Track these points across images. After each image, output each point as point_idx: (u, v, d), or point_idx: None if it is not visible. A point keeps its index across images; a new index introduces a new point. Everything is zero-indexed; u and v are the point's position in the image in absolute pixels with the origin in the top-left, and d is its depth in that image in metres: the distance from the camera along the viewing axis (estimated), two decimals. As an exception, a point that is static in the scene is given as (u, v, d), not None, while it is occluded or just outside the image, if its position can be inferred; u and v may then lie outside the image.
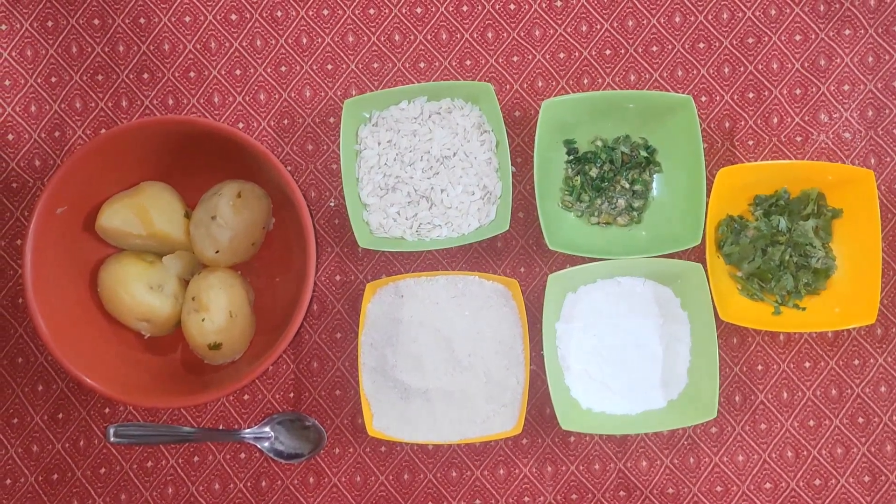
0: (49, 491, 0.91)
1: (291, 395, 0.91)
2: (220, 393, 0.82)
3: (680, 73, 0.92)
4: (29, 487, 0.91)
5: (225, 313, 0.86)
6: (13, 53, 0.94)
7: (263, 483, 0.91)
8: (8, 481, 0.91)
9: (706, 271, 0.85)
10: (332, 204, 0.93)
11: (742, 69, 0.92)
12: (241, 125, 0.93)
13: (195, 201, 0.90)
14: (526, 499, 0.90)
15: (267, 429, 0.90)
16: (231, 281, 0.88)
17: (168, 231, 0.87)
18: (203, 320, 0.85)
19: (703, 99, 0.92)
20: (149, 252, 0.89)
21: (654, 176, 0.91)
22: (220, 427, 0.91)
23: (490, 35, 0.93)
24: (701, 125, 0.89)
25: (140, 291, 0.86)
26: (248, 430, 0.90)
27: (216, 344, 0.86)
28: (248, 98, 0.93)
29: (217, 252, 0.87)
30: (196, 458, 0.91)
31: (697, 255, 0.90)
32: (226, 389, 0.81)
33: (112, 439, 0.89)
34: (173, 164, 0.89)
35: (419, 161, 0.89)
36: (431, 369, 0.86)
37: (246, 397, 0.91)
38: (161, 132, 0.85)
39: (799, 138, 0.91)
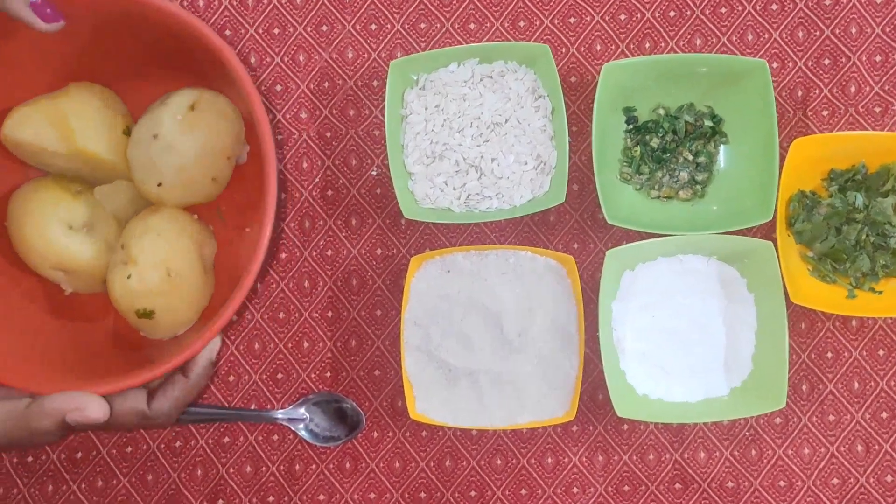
0: (72, 469, 0.86)
1: (328, 374, 0.86)
2: (135, 379, 0.63)
3: (750, 37, 0.86)
4: (51, 465, 0.86)
5: (160, 270, 0.66)
6: None
7: (297, 467, 0.86)
8: (30, 459, 0.86)
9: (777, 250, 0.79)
10: (374, 173, 0.87)
11: (818, 33, 0.85)
12: (279, 87, 0.87)
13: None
14: (575, 489, 0.84)
15: (301, 410, 0.85)
16: (178, 227, 0.68)
17: (96, 150, 0.66)
18: (129, 277, 0.65)
19: (775, 65, 0.85)
20: (79, 180, 0.69)
21: (720, 147, 0.85)
22: (252, 407, 0.86)
23: (545, -6, 0.87)
24: (771, 94, 0.83)
25: (54, 230, 0.66)
26: (281, 411, 0.85)
27: (146, 311, 0.66)
28: (286, 59, 0.87)
29: (160, 185, 0.67)
30: (226, 439, 0.86)
31: (763, 233, 0.84)
32: (140, 376, 0.63)
33: (139, 417, 0.85)
34: (118, 63, 0.68)
35: (468, 128, 0.83)
36: (479, 350, 0.80)
37: (280, 376, 0.86)
38: (95, 11, 0.65)
39: (878, 109, 0.84)
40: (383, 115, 0.86)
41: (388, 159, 0.82)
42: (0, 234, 0.69)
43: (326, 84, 0.88)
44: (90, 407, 0.60)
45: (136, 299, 0.66)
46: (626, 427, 0.85)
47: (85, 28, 0.65)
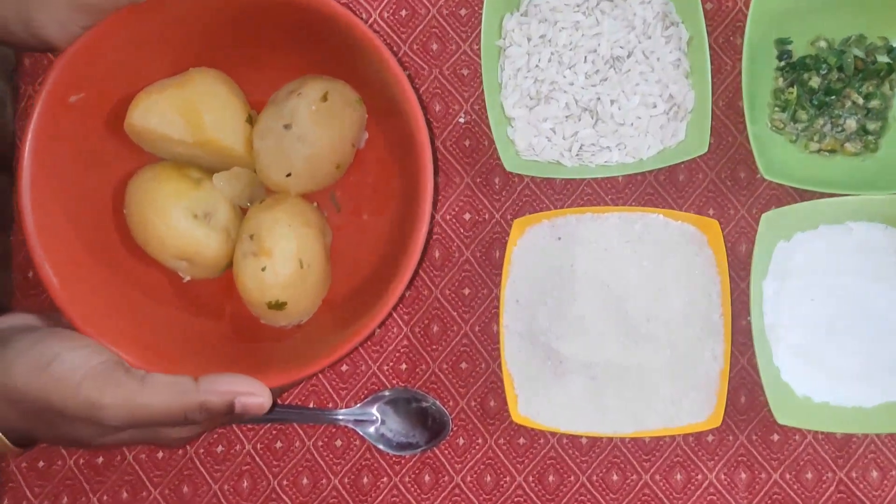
0: (93, 478, 0.71)
1: (404, 366, 0.71)
2: (284, 378, 0.60)
3: (936, -49, 0.69)
4: (67, 472, 0.71)
5: (293, 262, 0.65)
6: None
7: (365, 479, 0.70)
8: (41, 464, 0.71)
9: (981, 215, 0.63)
10: (461, 120, 0.72)
11: None
12: (346, 16, 0.72)
13: (257, 101, 0.67)
14: (710, 514, 0.68)
15: (372, 410, 0.70)
16: (305, 217, 0.66)
17: (223, 140, 0.65)
18: (263, 269, 0.64)
19: (967, -13, 0.69)
20: (195, 166, 0.67)
21: (898, 89, 0.68)
22: (311, 405, 0.71)
23: None
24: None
25: (179, 219, 0.65)
26: (346, 411, 0.70)
27: (279, 303, 0.65)
28: (356, -19, 0.73)
29: (289, 175, 0.65)
30: (279, 444, 0.71)
31: (951, 197, 0.67)
32: (291, 374, 0.60)
33: (174, 415, 0.70)
34: (234, 46, 0.66)
35: (582, 63, 0.68)
36: (597, 337, 0.65)
37: (344, 368, 0.71)
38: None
39: None
40: (473, 50, 0.71)
41: (486, 102, 0.66)
42: (113, 220, 0.67)
43: (404, 13, 0.72)
44: (264, 394, 0.57)
45: (270, 291, 0.65)
46: (776, 437, 0.68)
47: (202, 10, 0.64)
